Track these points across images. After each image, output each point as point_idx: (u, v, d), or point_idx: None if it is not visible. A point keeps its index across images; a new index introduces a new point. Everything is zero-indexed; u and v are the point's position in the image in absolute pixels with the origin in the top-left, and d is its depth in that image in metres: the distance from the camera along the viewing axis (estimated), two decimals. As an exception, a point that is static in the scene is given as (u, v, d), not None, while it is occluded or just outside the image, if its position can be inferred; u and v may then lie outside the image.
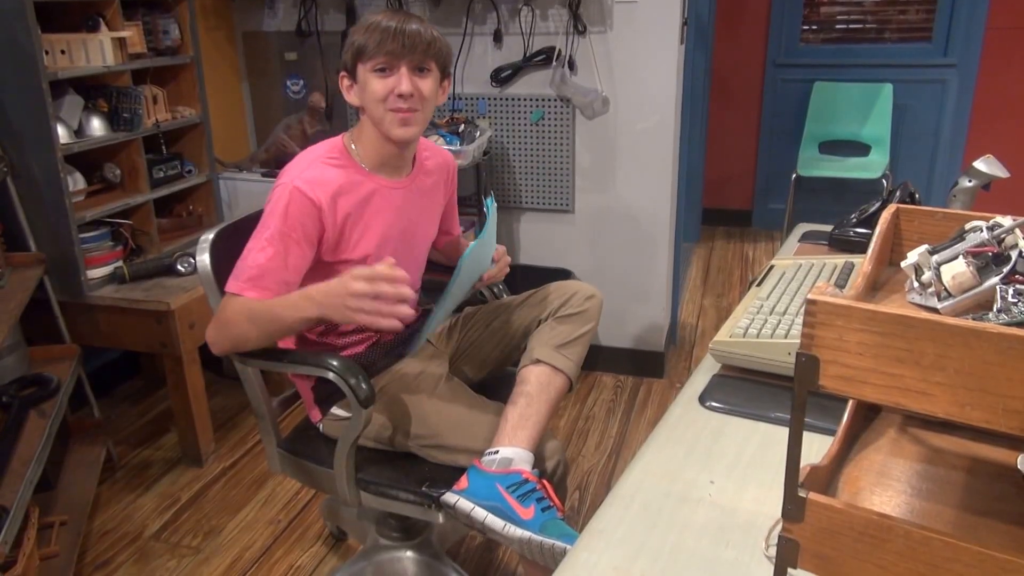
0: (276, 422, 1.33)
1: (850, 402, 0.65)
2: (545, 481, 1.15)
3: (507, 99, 2.27)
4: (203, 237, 1.22)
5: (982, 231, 0.57)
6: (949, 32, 3.33)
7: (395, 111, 1.13)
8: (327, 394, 1.25)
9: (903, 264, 0.60)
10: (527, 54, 2.20)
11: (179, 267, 1.93)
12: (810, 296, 0.47)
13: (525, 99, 2.26)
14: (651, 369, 2.42)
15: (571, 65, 2.17)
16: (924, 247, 0.59)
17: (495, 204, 1.24)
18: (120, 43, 1.85)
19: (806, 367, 0.48)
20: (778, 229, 3.73)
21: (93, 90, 1.91)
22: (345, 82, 1.18)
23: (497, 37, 2.22)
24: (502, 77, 2.24)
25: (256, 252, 1.10)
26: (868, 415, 0.70)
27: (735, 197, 3.87)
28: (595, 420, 2.19)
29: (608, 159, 2.26)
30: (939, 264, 0.56)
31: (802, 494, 0.54)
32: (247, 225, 1.27)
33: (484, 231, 1.19)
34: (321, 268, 1.16)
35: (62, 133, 1.77)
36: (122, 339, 1.93)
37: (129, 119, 1.91)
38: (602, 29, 2.13)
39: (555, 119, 2.25)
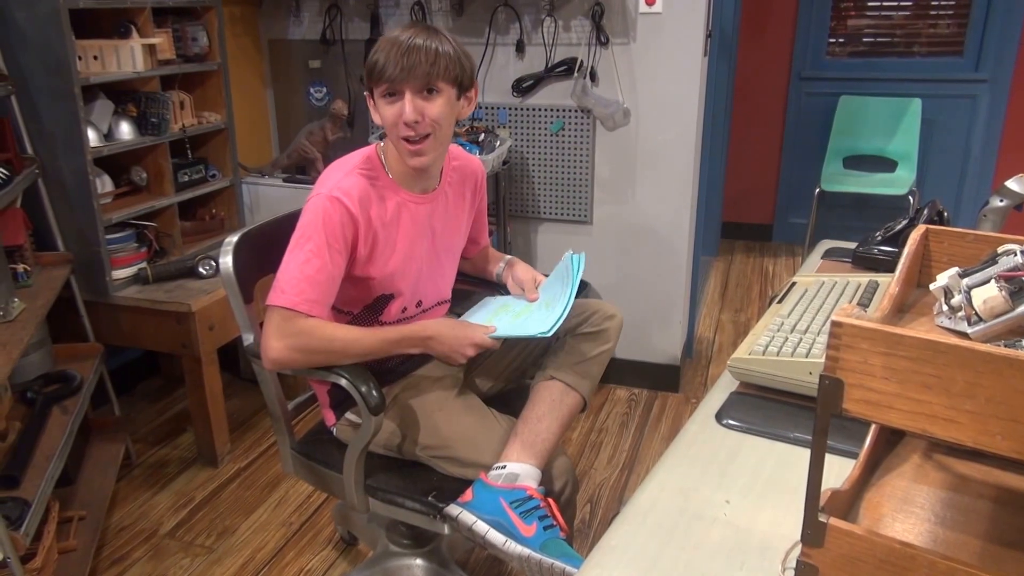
0: (291, 424, 1.34)
1: (873, 426, 0.63)
2: (551, 500, 1.13)
3: (528, 109, 2.28)
4: (227, 240, 1.23)
5: (1015, 255, 0.55)
6: (981, 46, 3.27)
7: (406, 140, 1.11)
8: (342, 398, 1.26)
9: (932, 287, 0.59)
10: (549, 64, 2.21)
11: (201, 270, 1.96)
12: (835, 318, 0.46)
13: (546, 109, 2.26)
14: (666, 383, 2.39)
15: (592, 76, 2.17)
16: (954, 269, 0.58)
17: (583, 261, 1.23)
18: (150, 49, 1.89)
19: (830, 390, 0.47)
20: (799, 244, 3.68)
21: (123, 95, 1.95)
22: (370, 102, 1.15)
23: (519, 47, 2.23)
24: (523, 87, 2.25)
25: (303, 264, 1.09)
26: (891, 439, 0.68)
27: (756, 211, 3.83)
28: (608, 433, 2.17)
29: (628, 171, 2.25)
30: (970, 288, 0.55)
31: (822, 519, 0.52)
32: (270, 229, 1.30)
33: (568, 303, 1.15)
34: (346, 282, 1.16)
35: (92, 137, 1.81)
36: (144, 339, 1.96)
37: (156, 124, 1.95)
38: (625, 40, 2.13)
39: (575, 130, 2.25)
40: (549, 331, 1.12)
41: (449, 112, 1.13)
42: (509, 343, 1.34)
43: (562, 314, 1.14)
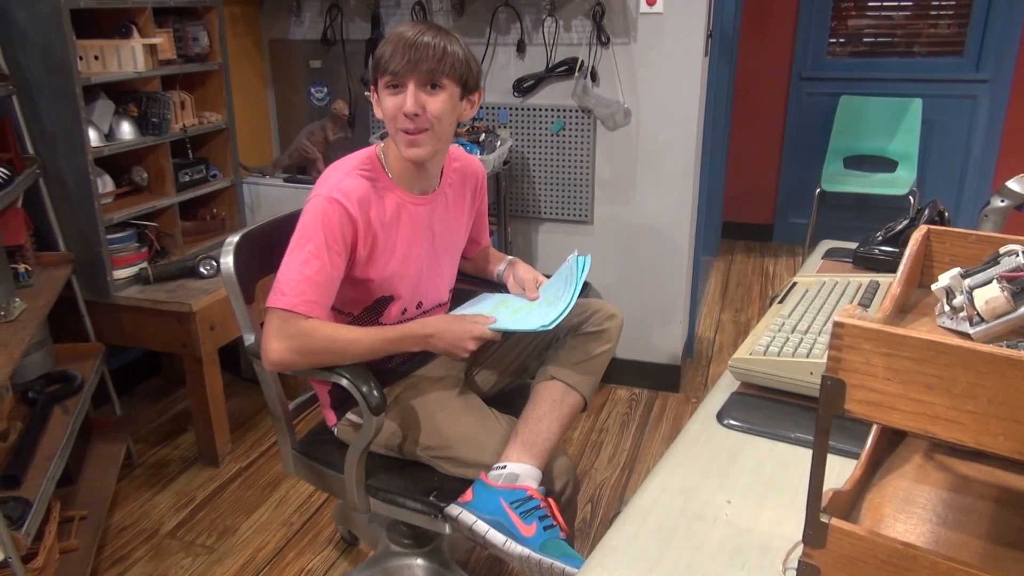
0: (292, 424, 1.34)
1: (874, 426, 0.63)
2: (551, 500, 1.14)
3: (528, 109, 2.28)
4: (227, 240, 1.23)
5: (1017, 255, 0.55)
6: (982, 47, 3.27)
7: (404, 131, 1.10)
8: (343, 398, 1.26)
9: (934, 287, 0.59)
10: (549, 64, 2.21)
11: (202, 269, 1.96)
12: (837, 318, 0.46)
13: (546, 109, 2.26)
14: (667, 383, 2.39)
15: (593, 76, 2.17)
16: (956, 270, 0.58)
17: (588, 264, 1.22)
18: (151, 49, 1.89)
19: (832, 391, 0.47)
20: (799, 244, 3.68)
21: (124, 95, 1.95)
22: (373, 97, 1.16)
23: (520, 47, 2.23)
24: (524, 87, 2.25)
25: (302, 265, 1.08)
26: (892, 439, 0.68)
27: (756, 211, 3.83)
28: (609, 433, 2.17)
29: (628, 171, 2.25)
30: (972, 288, 0.55)
31: (824, 519, 0.53)
32: (271, 229, 1.30)
33: (571, 301, 1.15)
34: (346, 283, 1.16)
35: (93, 137, 1.81)
36: (145, 339, 1.96)
37: (157, 124, 1.95)
38: (626, 40, 2.13)
39: (576, 130, 2.25)
40: (550, 324, 1.12)
41: (450, 110, 1.12)
42: (511, 339, 1.34)
43: (565, 309, 1.14)
